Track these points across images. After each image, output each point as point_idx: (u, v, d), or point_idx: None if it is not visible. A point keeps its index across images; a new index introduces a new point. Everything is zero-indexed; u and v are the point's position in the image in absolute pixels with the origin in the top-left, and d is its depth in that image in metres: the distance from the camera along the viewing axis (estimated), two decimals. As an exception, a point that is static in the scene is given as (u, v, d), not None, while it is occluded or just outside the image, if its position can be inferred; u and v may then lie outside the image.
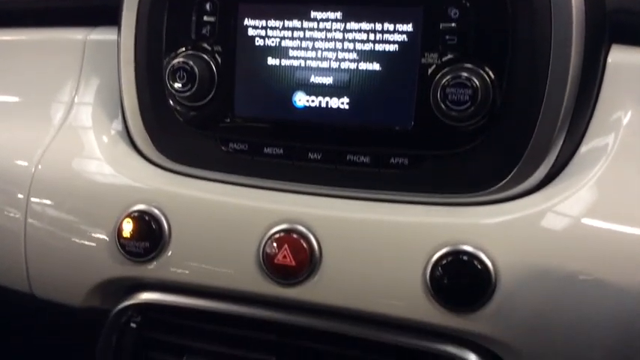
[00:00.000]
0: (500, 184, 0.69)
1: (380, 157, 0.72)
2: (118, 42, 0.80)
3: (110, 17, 0.82)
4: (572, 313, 0.64)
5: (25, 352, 1.08)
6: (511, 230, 0.66)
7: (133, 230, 0.76)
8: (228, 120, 0.76)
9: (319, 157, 0.74)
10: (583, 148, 0.70)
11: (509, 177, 0.68)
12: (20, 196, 0.83)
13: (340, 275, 0.71)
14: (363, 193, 0.73)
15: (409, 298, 0.68)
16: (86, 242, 0.80)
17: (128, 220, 0.76)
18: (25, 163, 0.84)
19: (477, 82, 0.65)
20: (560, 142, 0.68)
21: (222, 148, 0.78)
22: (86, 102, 0.87)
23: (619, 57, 0.69)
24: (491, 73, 0.66)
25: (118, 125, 0.86)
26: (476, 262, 0.65)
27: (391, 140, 0.71)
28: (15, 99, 0.93)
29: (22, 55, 0.93)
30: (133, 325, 0.81)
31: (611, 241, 0.64)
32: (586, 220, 0.66)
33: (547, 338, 0.65)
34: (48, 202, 0.82)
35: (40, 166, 0.84)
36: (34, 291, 0.85)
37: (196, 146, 0.79)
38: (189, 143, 0.79)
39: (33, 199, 0.82)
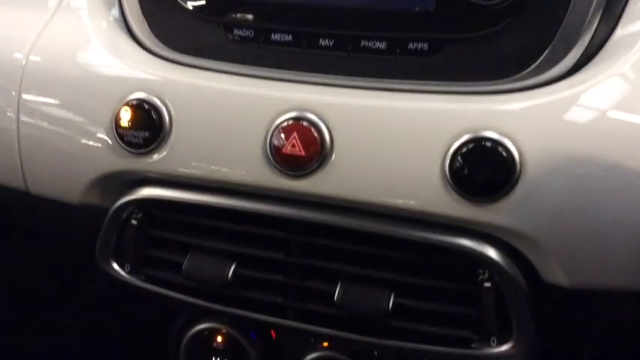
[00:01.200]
0: (528, 69, 0.64)
1: (397, 43, 0.67)
2: None
3: None
4: (597, 205, 0.60)
5: (26, 256, 1.06)
6: (539, 117, 0.61)
7: (131, 119, 0.72)
8: (233, 4, 0.71)
9: (331, 44, 0.69)
10: (619, 32, 0.64)
11: (538, 62, 0.63)
12: (12, 89, 0.78)
13: (353, 166, 0.66)
14: (378, 82, 0.68)
15: (426, 189, 0.64)
16: (83, 134, 0.75)
17: (126, 108, 0.72)
18: (16, 54, 0.79)
19: None
20: (595, 24, 0.62)
21: (227, 35, 0.73)
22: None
23: None
24: None
25: (115, 11, 0.80)
26: (500, 149, 0.60)
27: (410, 23, 0.66)
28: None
29: None
30: (133, 222, 0.78)
31: None
32: (618, 109, 0.61)
33: (570, 230, 0.61)
34: (41, 93, 0.78)
35: (31, 57, 0.78)
36: (29, 188, 0.82)
37: (198, 34, 0.74)
38: (191, 30, 0.74)
39: (25, 92, 0.78)
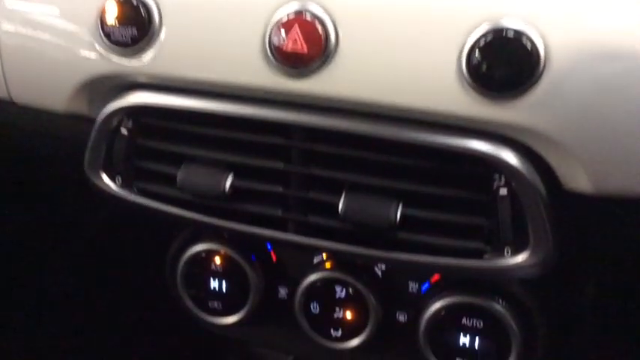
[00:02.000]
0: None
1: None
2: None
3: None
4: (628, 104, 0.55)
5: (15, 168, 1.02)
6: (569, 3, 0.55)
7: (118, 15, 0.66)
8: None
9: None
10: None
11: None
12: None
13: (360, 63, 0.61)
14: None
15: (441, 87, 0.59)
16: (67, 35, 0.70)
17: (112, 2, 0.66)
18: None
19: None
20: None
21: None
22: None
23: None
24: None
25: None
26: (524, 40, 0.55)
27: None
28: None
29: None
30: (123, 131, 0.73)
31: None
32: None
33: (596, 131, 0.57)
34: None
35: None
36: (13, 96, 0.77)
37: None
38: None
39: None
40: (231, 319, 0.86)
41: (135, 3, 0.66)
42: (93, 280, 1.20)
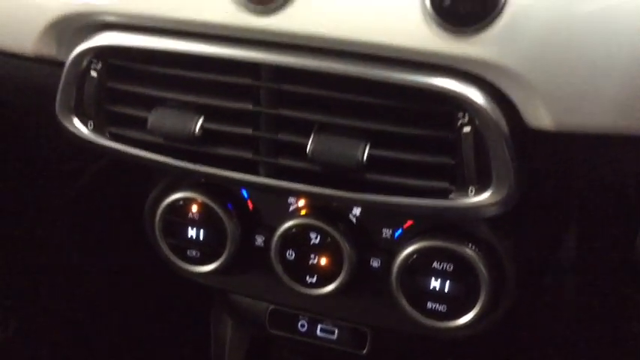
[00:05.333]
0: None
1: None
2: None
3: None
4: (589, 37, 0.55)
5: None
6: None
7: (83, -49, 0.65)
8: None
9: None
10: None
11: None
12: None
13: None
14: None
15: (405, 22, 0.58)
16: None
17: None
18: None
19: None
20: None
21: None
22: None
23: None
24: None
25: None
26: None
27: None
28: None
29: None
30: (93, 73, 0.72)
31: None
32: None
33: (557, 65, 0.56)
34: None
35: None
36: None
37: None
38: None
39: None
40: (209, 267, 0.87)
41: None
42: (73, 234, 1.20)
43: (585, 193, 0.69)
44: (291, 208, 0.83)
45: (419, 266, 0.76)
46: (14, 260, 1.17)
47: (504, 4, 0.55)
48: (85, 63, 0.72)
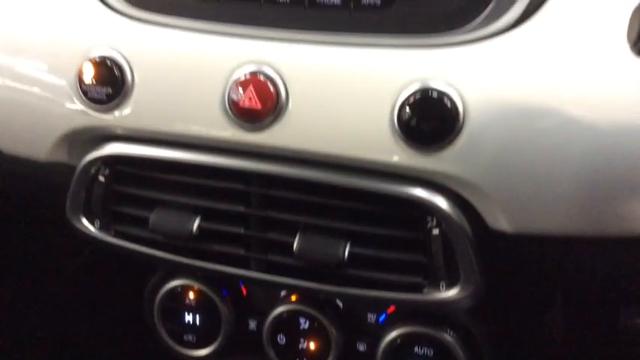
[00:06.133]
0: (474, 22, 0.65)
1: None
2: None
3: None
4: (539, 153, 0.62)
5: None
6: (482, 67, 0.63)
7: (94, 75, 0.73)
8: None
9: (287, 0, 0.70)
10: None
11: (484, 14, 0.65)
12: None
13: (307, 118, 0.68)
14: (332, 36, 0.69)
15: (377, 140, 0.66)
16: (48, 91, 0.77)
17: (88, 64, 0.73)
18: None
19: None
20: None
21: None
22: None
23: None
24: None
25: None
26: (445, 100, 0.62)
27: None
28: None
29: None
30: (101, 178, 0.80)
31: (585, 81, 0.61)
32: (561, 60, 0.62)
33: (510, 178, 0.63)
34: (6, 50, 0.79)
35: None
36: (0, 147, 0.84)
37: None
38: None
39: None
40: (204, 351, 0.92)
41: (109, 64, 0.73)
42: (72, 319, 1.24)
43: (558, 284, 0.75)
44: (282, 294, 0.89)
45: (402, 350, 0.81)
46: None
47: (462, 126, 0.63)
48: (93, 170, 0.79)
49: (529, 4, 0.64)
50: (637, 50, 0.47)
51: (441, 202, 0.67)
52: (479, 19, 0.65)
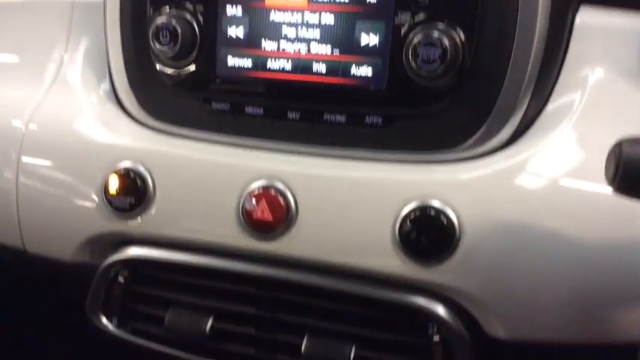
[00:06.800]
0: (468, 142, 0.71)
1: (355, 117, 0.74)
2: (104, 3, 0.82)
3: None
4: (531, 266, 0.67)
5: (20, 314, 1.12)
6: (476, 186, 0.69)
7: (119, 186, 0.79)
8: (211, 80, 0.78)
9: (297, 117, 0.76)
10: (550, 107, 0.71)
11: (477, 135, 0.71)
12: (12, 154, 0.86)
13: (315, 230, 0.73)
14: (338, 151, 0.75)
15: (380, 252, 0.71)
16: (76, 199, 0.83)
17: (114, 176, 0.79)
18: (17, 122, 0.87)
19: (447, 42, 0.66)
20: (527, 101, 0.70)
21: (206, 107, 0.80)
22: (75, 62, 0.90)
23: (587, 17, 0.71)
24: (461, 34, 0.67)
25: (106, 85, 0.88)
26: (442, 217, 0.68)
27: (366, 100, 0.73)
28: (5, 59, 0.95)
29: (12, 16, 0.95)
30: (120, 279, 0.85)
31: (571, 197, 0.66)
32: (548, 178, 0.68)
33: (504, 289, 0.68)
34: (39, 160, 0.85)
35: (30, 125, 0.86)
36: (26, 246, 0.89)
37: (180, 106, 0.81)
38: (174, 103, 0.82)
39: (24, 158, 0.85)
40: None
41: (132, 175, 0.79)
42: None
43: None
44: None
45: None
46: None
47: (458, 240, 0.68)
48: (113, 271, 0.84)
49: (519, 125, 0.70)
50: (615, 187, 0.52)
51: (441, 310, 0.71)
52: (473, 139, 0.71)
